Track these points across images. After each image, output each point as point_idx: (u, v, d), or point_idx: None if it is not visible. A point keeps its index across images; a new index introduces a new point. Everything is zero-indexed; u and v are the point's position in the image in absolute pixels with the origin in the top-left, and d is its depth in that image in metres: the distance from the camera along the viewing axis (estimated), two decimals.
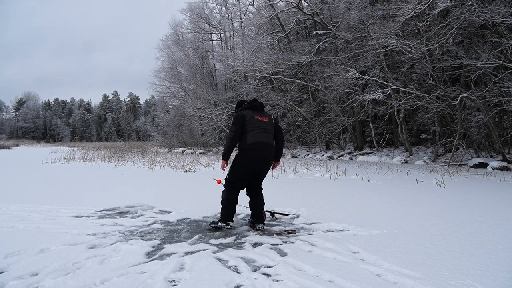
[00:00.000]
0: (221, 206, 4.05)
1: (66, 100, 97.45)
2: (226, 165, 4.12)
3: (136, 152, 23.53)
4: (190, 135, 32.61)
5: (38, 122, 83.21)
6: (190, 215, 4.74)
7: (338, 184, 8.13)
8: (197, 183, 8.43)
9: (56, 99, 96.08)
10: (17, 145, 47.70)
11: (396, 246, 3.28)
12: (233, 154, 4.18)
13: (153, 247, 3.33)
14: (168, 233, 3.86)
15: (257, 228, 4.04)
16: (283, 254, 3.12)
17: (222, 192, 4.09)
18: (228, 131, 4.34)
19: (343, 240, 3.47)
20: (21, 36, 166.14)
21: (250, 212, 4.19)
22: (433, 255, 3.03)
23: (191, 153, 27.42)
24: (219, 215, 4.16)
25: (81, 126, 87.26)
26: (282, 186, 7.68)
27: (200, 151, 28.09)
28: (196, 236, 3.72)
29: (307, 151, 22.45)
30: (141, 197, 6.09)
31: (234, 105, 24.59)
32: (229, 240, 3.60)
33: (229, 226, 3.98)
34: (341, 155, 19.58)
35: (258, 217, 4.11)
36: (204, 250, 3.23)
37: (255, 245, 3.43)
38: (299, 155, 21.58)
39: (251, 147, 3.91)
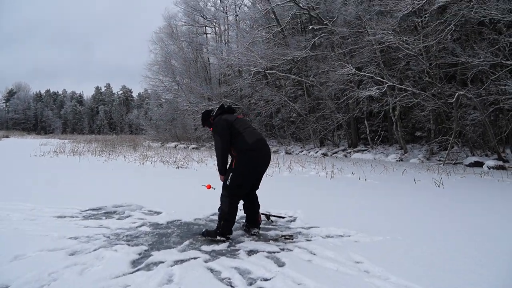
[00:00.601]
0: (221, 218, 3.55)
1: (57, 92, 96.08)
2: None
3: (128, 146, 23.14)
4: (183, 129, 32.17)
5: (29, 114, 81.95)
6: (181, 216, 4.47)
7: (334, 183, 7.91)
8: (189, 181, 8.17)
9: (48, 91, 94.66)
10: (7, 137, 46.98)
11: (401, 255, 3.07)
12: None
13: (140, 254, 3.08)
14: (156, 238, 3.60)
15: (253, 233, 3.79)
16: (280, 264, 2.89)
17: (222, 201, 3.59)
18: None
19: (344, 248, 3.24)
20: (15, 26, 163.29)
21: (245, 215, 3.93)
22: (441, 266, 2.81)
23: (184, 148, 27.08)
24: (213, 215, 3.88)
25: (73, 118, 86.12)
26: (277, 185, 7.44)
27: (193, 146, 27.75)
28: (187, 242, 3.45)
29: (301, 148, 22.24)
30: (130, 195, 5.81)
31: (228, 100, 24.19)
32: (222, 246, 3.34)
33: (229, 240, 3.55)
34: (336, 152, 19.40)
35: (253, 222, 3.85)
36: (195, 258, 2.98)
37: (250, 252, 3.18)
38: (293, 152, 21.38)
39: (254, 147, 3.54)
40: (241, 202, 3.81)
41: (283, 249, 3.26)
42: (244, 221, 4.00)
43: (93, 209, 4.85)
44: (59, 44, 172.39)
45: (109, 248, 3.19)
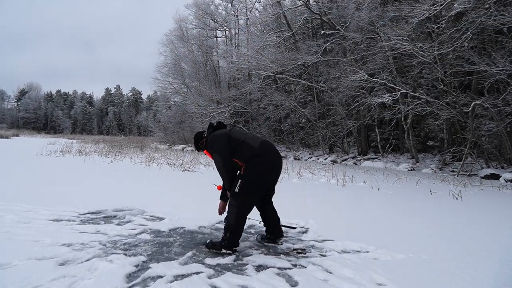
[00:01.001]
0: (228, 230, 3.20)
1: (68, 92, 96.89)
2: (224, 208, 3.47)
3: (135, 147, 22.99)
4: (191, 132, 31.95)
5: (39, 113, 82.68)
6: (184, 223, 4.18)
7: (346, 192, 7.57)
8: (195, 185, 7.90)
9: (58, 91, 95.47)
10: (17, 135, 47.20)
11: (428, 277, 2.73)
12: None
13: (137, 266, 2.78)
14: (157, 247, 3.31)
15: (280, 243, 3.53)
16: (293, 283, 2.57)
17: (230, 212, 3.22)
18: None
19: (363, 266, 2.91)
20: (27, 27, 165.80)
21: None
22: None
23: (192, 150, 26.87)
24: (218, 223, 3.57)
25: (83, 118, 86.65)
26: (286, 192, 7.08)
27: None
28: (189, 253, 3.15)
29: (310, 154, 21.89)
30: (132, 198, 5.54)
31: (237, 104, 23.95)
32: (228, 260, 3.02)
33: (236, 252, 3.23)
34: (345, 159, 19.02)
35: (278, 231, 3.57)
36: (197, 273, 2.68)
37: (259, 268, 2.86)
38: (301, 158, 21.03)
39: (262, 151, 3.21)
40: (253, 214, 3.49)
41: (295, 265, 2.94)
42: (265, 233, 3.66)
43: (92, 213, 4.57)
44: (71, 46, 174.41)
45: (103, 258, 2.90)
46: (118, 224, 4.08)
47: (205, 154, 3.63)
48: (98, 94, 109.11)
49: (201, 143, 3.64)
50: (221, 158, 3.26)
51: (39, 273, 2.50)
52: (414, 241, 3.73)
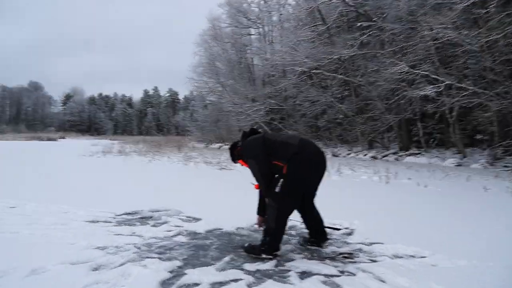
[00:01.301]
0: (267, 233, 2.99)
1: (109, 95, 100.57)
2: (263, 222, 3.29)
3: (172, 147, 23.34)
4: (227, 130, 32.13)
5: (83, 116, 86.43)
6: (221, 224, 3.99)
7: (390, 190, 7.13)
8: (232, 183, 7.74)
9: (100, 94, 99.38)
10: (63, 138, 49.64)
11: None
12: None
13: (171, 271, 2.61)
14: (193, 250, 3.13)
15: (325, 247, 3.28)
16: None
17: (269, 214, 3.01)
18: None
19: (420, 274, 2.58)
20: (75, 34, 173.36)
21: (308, 230, 3.36)
22: None
23: (229, 148, 26.95)
24: (256, 225, 3.37)
25: (123, 120, 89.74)
26: (326, 191, 6.73)
27: None
28: (227, 258, 2.95)
29: (349, 150, 21.26)
30: (169, 198, 5.44)
31: (272, 101, 23.68)
32: (269, 265, 2.78)
33: (277, 258, 2.97)
34: (386, 155, 18.26)
35: (322, 234, 3.31)
36: (235, 281, 2.47)
37: (303, 275, 2.60)
38: (340, 154, 20.46)
39: (302, 149, 2.99)
40: (294, 215, 3.23)
41: (342, 272, 2.67)
42: (308, 236, 3.40)
43: (128, 214, 4.49)
44: (110, 50, 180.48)
45: (137, 262, 2.75)
46: (153, 226, 3.96)
47: (242, 165, 3.44)
48: (137, 96, 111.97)
49: (236, 150, 3.45)
50: (255, 162, 3.08)
51: (71, 279, 2.39)
52: (475, 245, 3.32)
